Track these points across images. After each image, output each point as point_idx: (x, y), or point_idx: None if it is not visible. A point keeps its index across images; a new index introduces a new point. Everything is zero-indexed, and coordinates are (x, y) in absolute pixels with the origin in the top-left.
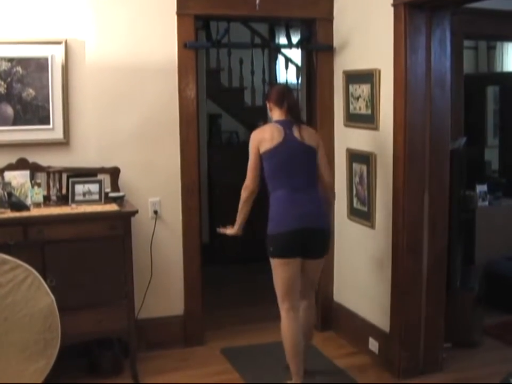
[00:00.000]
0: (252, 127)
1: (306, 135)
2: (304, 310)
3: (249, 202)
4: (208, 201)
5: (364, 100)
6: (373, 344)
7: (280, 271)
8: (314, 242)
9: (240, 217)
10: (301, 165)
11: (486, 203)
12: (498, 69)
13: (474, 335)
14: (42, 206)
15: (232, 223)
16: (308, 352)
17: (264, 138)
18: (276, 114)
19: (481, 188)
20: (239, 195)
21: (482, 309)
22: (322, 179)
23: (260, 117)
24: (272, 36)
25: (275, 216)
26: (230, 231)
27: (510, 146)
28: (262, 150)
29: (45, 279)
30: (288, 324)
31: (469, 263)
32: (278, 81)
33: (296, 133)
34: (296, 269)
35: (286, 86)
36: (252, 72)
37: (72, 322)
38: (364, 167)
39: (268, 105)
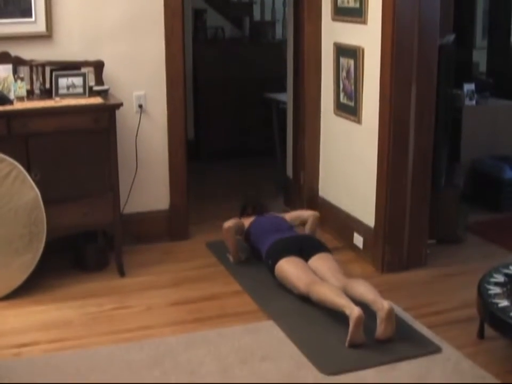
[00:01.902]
0: (237, 22)
1: None
2: (352, 282)
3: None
4: (194, 97)
5: None
6: (358, 239)
7: (290, 267)
8: (307, 242)
9: (229, 246)
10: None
11: (473, 102)
12: None
13: (458, 232)
14: (25, 100)
15: (216, 118)
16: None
17: None
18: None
19: (468, 87)
20: (224, 91)
21: (467, 206)
22: None
23: (246, 13)
24: None
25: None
26: (231, 258)
27: (498, 47)
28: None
29: (29, 173)
30: (319, 284)
31: (455, 160)
32: None
33: None
34: (302, 261)
35: None
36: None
37: (57, 215)
38: (351, 62)
39: None
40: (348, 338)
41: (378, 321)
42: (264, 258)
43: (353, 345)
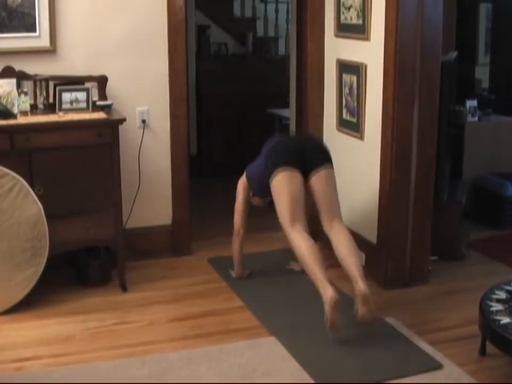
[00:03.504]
0: (241, 38)
1: None
2: (337, 233)
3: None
4: (197, 113)
5: (355, 9)
6: (360, 256)
7: (284, 185)
8: (313, 153)
9: (234, 258)
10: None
11: (476, 118)
12: None
13: (460, 249)
14: (29, 114)
15: (219, 134)
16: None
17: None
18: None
19: (471, 103)
20: (227, 106)
21: (469, 223)
22: None
23: (250, 29)
24: None
25: (271, 141)
26: (234, 274)
27: (500, 64)
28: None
29: (32, 188)
30: (301, 237)
31: (457, 177)
32: None
33: None
34: (298, 183)
35: None
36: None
37: (60, 230)
38: (354, 78)
39: None
40: (328, 322)
41: (356, 300)
42: (264, 161)
43: (334, 329)
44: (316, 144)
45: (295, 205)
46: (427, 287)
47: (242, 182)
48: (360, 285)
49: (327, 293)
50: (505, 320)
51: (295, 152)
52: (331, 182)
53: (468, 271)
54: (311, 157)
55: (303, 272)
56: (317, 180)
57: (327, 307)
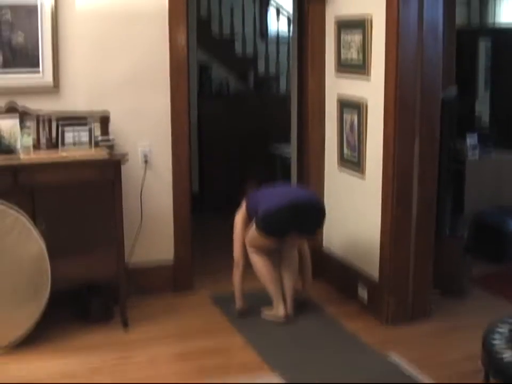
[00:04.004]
0: (242, 76)
1: None
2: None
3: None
4: (198, 150)
5: (355, 48)
6: (362, 292)
7: (260, 241)
8: (308, 216)
9: (235, 289)
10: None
11: (476, 154)
12: (491, 22)
13: (462, 284)
14: (32, 151)
15: (220, 171)
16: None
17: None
18: None
19: (471, 139)
20: (229, 144)
21: (470, 257)
22: None
23: (251, 67)
24: None
25: (265, 196)
26: (236, 307)
27: (500, 99)
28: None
29: (35, 225)
30: (262, 260)
31: (458, 212)
32: (268, 31)
33: None
34: (273, 245)
35: None
36: (243, 21)
37: (62, 267)
38: (355, 116)
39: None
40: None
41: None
42: (257, 216)
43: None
44: (313, 213)
45: (262, 251)
46: (430, 322)
47: (241, 213)
48: (281, 310)
49: (279, 310)
50: (508, 355)
51: (285, 226)
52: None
53: (470, 306)
54: (304, 225)
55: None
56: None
57: (274, 318)
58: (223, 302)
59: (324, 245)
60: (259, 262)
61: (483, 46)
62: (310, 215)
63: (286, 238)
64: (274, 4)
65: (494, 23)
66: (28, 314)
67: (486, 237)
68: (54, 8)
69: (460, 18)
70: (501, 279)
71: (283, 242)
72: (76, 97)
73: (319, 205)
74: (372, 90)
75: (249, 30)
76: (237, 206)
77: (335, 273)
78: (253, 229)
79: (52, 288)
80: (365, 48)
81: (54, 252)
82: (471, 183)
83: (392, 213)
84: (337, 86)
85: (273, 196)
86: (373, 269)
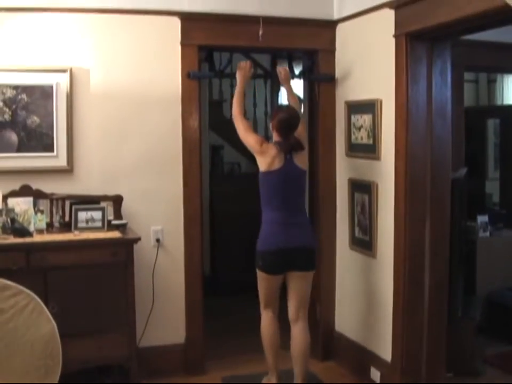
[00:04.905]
0: (253, 158)
1: (301, 160)
2: (297, 333)
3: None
4: (210, 232)
5: (365, 130)
6: (375, 374)
7: (264, 283)
8: (299, 258)
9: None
10: (295, 190)
11: (487, 234)
12: (499, 102)
13: (475, 365)
14: (45, 232)
15: (233, 253)
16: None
17: (268, 152)
18: (276, 137)
19: (482, 219)
20: (241, 226)
21: (484, 338)
22: None
23: None
24: (275, 67)
25: (265, 235)
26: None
27: (510, 178)
28: (263, 164)
29: (47, 305)
30: (268, 322)
31: (470, 292)
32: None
33: (294, 159)
34: (277, 283)
35: (293, 116)
36: (254, 104)
37: (74, 348)
38: (366, 197)
39: (271, 125)
40: None
41: None
42: (256, 254)
43: None
44: (307, 250)
45: (270, 296)
46: None
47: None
48: (274, 380)
49: (272, 380)
50: None
51: (282, 261)
52: (309, 284)
53: None
54: (298, 260)
55: None
56: (298, 279)
57: None
58: None
59: (336, 326)
60: (264, 326)
61: (492, 125)
62: (301, 256)
63: (285, 277)
64: None
65: (502, 102)
66: None
67: (499, 316)
68: (69, 90)
69: (469, 98)
70: None
71: (290, 277)
72: (90, 179)
73: (312, 247)
74: (382, 171)
75: (260, 112)
76: (249, 287)
77: (348, 355)
78: (258, 275)
79: (62, 369)
80: (375, 130)
81: (65, 333)
82: (482, 262)
83: (404, 294)
84: (348, 167)
85: (275, 234)
86: (385, 350)
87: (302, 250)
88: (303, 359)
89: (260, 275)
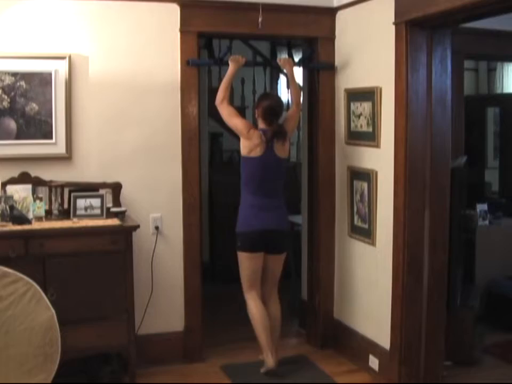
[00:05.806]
0: None
1: (281, 149)
2: (275, 309)
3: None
4: (209, 220)
5: (365, 117)
6: (373, 362)
7: (247, 263)
8: (275, 240)
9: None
10: (272, 176)
11: (487, 222)
12: (499, 91)
13: (474, 354)
14: (44, 219)
15: (231, 240)
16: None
17: (252, 139)
18: (261, 124)
19: (481, 207)
20: None
21: (483, 327)
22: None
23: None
24: (274, 55)
25: (244, 218)
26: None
27: (510, 167)
28: (245, 149)
29: (46, 293)
30: (255, 304)
31: (469, 281)
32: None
33: (275, 147)
34: (259, 262)
35: (277, 103)
36: (254, 92)
37: (72, 336)
38: (365, 185)
39: (256, 111)
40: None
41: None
42: (236, 236)
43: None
44: (281, 233)
45: (253, 277)
46: None
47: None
48: (270, 359)
49: (268, 361)
50: None
51: (261, 241)
52: (281, 264)
53: (483, 376)
54: (274, 242)
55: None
56: (273, 260)
57: (264, 370)
58: (234, 372)
59: (334, 314)
60: (253, 309)
61: (491, 114)
62: (276, 239)
63: (267, 253)
64: (285, 74)
65: (502, 91)
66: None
67: (498, 305)
68: (68, 77)
69: (468, 87)
70: None
71: (266, 258)
72: (89, 167)
73: (285, 230)
74: (381, 159)
75: None
76: None
77: (346, 343)
78: (239, 257)
79: (61, 357)
80: (374, 118)
81: (64, 320)
82: (481, 251)
83: (403, 282)
84: (347, 156)
85: (253, 217)
86: (384, 338)
87: (277, 232)
88: (279, 329)
89: (243, 256)
